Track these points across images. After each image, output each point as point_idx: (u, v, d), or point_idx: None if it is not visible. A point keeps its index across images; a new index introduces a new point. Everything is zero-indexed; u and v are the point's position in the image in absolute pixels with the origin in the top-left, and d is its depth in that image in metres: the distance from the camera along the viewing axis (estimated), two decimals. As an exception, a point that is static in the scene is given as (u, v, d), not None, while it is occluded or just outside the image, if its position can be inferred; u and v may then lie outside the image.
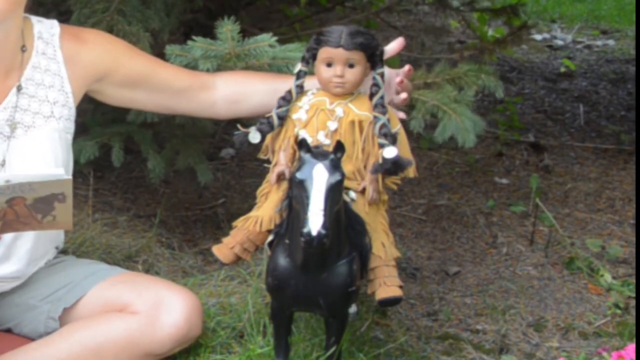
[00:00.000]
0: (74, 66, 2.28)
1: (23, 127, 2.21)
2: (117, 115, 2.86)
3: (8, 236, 2.17)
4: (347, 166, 2.05)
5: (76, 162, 2.74)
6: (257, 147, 2.18)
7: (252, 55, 2.43)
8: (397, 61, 3.98)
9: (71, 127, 2.29)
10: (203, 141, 3.03)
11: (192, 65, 2.43)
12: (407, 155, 2.13)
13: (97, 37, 2.36)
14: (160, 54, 2.47)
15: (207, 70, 2.41)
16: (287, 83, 2.22)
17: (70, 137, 2.30)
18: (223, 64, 2.43)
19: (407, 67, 2.27)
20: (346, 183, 2.03)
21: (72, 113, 2.28)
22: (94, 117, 2.98)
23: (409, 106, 2.40)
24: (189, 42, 2.45)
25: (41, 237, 2.25)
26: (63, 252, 2.49)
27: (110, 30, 2.63)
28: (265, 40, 2.43)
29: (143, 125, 2.83)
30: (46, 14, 2.37)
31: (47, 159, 2.20)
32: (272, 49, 2.44)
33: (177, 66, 2.43)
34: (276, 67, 2.46)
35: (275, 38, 2.44)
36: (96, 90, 2.35)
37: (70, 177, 1.93)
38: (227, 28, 2.42)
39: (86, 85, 2.31)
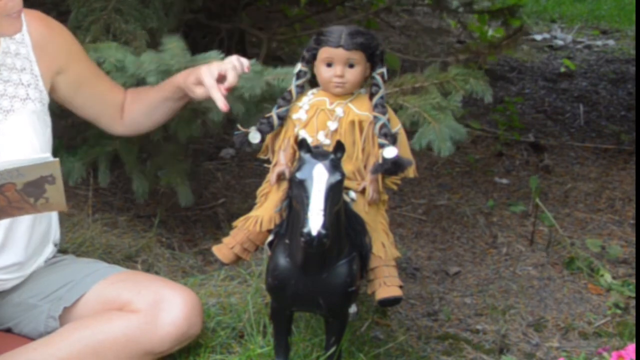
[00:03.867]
0: (41, 51, 2.30)
1: (2, 111, 2.23)
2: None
3: (3, 225, 2.17)
4: (347, 166, 2.06)
5: (69, 176, 2.75)
6: (257, 147, 2.18)
7: None
8: (397, 61, 3.99)
9: (46, 111, 2.32)
10: (205, 153, 3.02)
11: (142, 78, 2.44)
12: (407, 155, 2.13)
13: (61, 30, 2.39)
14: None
15: (157, 82, 2.43)
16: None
17: (48, 119, 2.33)
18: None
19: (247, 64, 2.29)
20: (346, 183, 2.03)
21: (44, 96, 2.31)
22: (84, 134, 2.96)
23: (394, 109, 2.39)
24: (143, 56, 2.46)
25: (36, 224, 2.26)
26: (63, 251, 2.49)
27: (107, 28, 2.64)
28: (212, 57, 2.43)
29: (128, 142, 2.82)
30: (46, 13, 2.37)
31: (32, 141, 2.22)
32: None
33: (112, 81, 2.47)
34: None
35: (222, 55, 2.43)
36: (53, 84, 2.36)
37: (57, 159, 1.93)
38: (173, 44, 2.45)
39: (51, 73, 2.33)
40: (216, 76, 2.23)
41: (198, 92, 2.29)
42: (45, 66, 2.31)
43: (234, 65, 2.24)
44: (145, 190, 2.87)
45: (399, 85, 2.52)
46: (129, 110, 2.47)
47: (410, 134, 2.27)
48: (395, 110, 2.38)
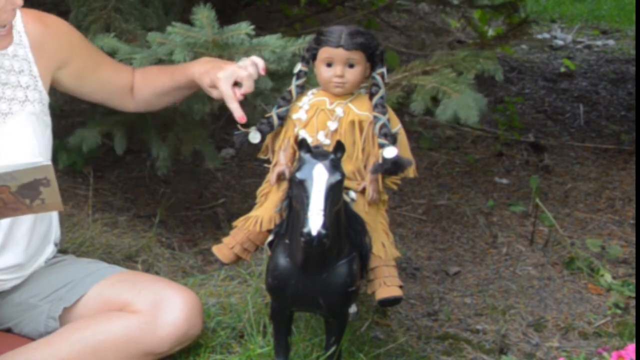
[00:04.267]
0: (39, 50, 2.30)
1: (1, 114, 2.23)
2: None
3: (3, 226, 2.17)
4: (347, 166, 2.06)
5: (79, 152, 2.72)
6: (257, 147, 2.18)
7: (230, 44, 2.41)
8: (396, 60, 3.99)
9: (46, 111, 2.31)
10: (208, 126, 2.97)
11: (171, 53, 2.42)
12: (407, 155, 2.13)
13: (59, 25, 2.38)
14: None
15: (184, 60, 2.40)
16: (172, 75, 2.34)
17: (48, 119, 2.32)
18: (201, 53, 2.42)
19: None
20: (346, 183, 2.03)
21: (43, 96, 2.30)
22: (95, 107, 2.95)
23: (407, 91, 2.37)
24: (168, 28, 2.44)
25: (36, 224, 2.26)
26: (63, 251, 2.49)
27: (107, 27, 2.63)
28: (242, 29, 2.41)
29: (144, 113, 2.80)
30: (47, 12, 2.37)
31: (32, 143, 2.22)
32: (248, 39, 2.43)
33: (117, 63, 2.46)
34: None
35: (252, 27, 2.41)
36: (55, 79, 2.36)
37: (49, 162, 1.94)
38: (204, 15, 2.41)
39: (50, 71, 2.32)
40: (232, 83, 2.22)
41: (214, 94, 2.27)
42: (44, 65, 2.30)
43: (250, 73, 2.22)
44: (165, 155, 2.81)
45: (408, 70, 2.50)
46: (139, 92, 2.46)
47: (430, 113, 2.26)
48: (412, 91, 2.36)
